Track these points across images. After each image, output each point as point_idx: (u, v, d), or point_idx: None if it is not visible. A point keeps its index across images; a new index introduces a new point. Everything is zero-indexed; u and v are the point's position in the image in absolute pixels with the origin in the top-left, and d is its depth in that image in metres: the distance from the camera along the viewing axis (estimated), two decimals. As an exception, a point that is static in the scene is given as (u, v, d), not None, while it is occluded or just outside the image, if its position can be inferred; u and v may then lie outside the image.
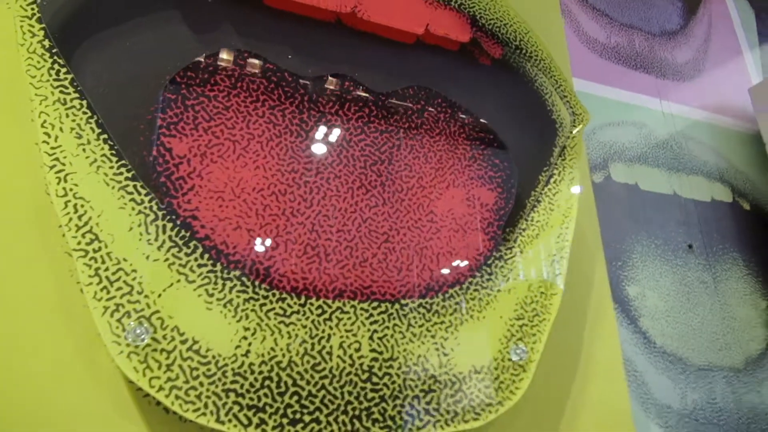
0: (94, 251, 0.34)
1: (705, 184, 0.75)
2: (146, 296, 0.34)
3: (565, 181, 0.51)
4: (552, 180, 0.51)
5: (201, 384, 0.34)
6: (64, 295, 0.36)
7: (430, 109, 0.49)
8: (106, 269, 0.34)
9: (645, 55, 0.80)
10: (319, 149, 0.43)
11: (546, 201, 0.50)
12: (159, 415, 0.35)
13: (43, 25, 0.37)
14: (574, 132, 0.54)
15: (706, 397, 0.62)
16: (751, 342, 0.68)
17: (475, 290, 0.43)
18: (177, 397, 0.33)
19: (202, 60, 0.42)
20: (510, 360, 0.42)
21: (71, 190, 0.35)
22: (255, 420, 0.34)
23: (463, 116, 0.50)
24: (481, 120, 0.51)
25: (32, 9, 0.37)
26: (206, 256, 0.37)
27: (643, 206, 0.69)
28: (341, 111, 0.45)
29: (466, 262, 0.44)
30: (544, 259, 0.47)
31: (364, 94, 0.47)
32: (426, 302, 0.42)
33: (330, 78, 0.46)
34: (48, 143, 0.35)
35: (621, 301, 0.62)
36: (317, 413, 0.36)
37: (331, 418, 0.36)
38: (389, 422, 0.37)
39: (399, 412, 0.38)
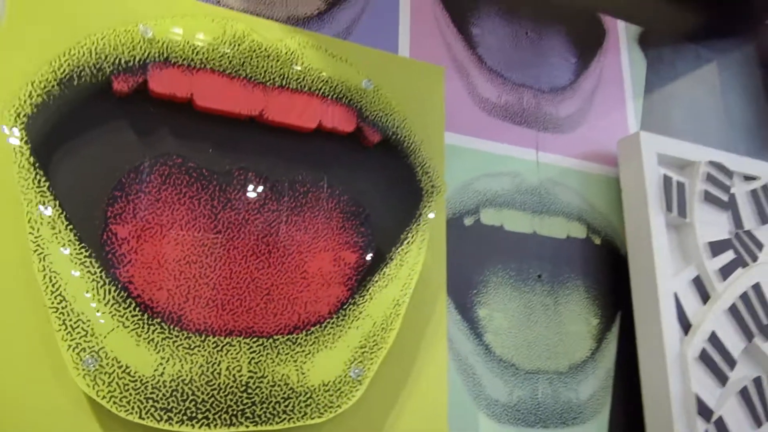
0: (62, 308, 0.53)
1: (564, 224, 0.93)
2: (96, 337, 0.53)
3: (416, 242, 0.70)
4: (405, 241, 0.69)
5: (130, 395, 0.53)
6: (46, 334, 0.54)
7: (313, 189, 0.67)
8: (70, 319, 0.53)
9: (531, 111, 0.96)
10: (224, 227, 0.61)
11: (398, 258, 0.68)
12: (107, 413, 0.55)
13: (29, 145, 0.55)
14: (430, 200, 0.72)
15: (530, 394, 0.83)
16: (577, 352, 0.89)
17: (331, 328, 0.63)
18: (114, 403, 0.52)
19: (143, 163, 0.60)
20: (350, 377, 0.62)
21: (48, 266, 0.53)
22: (165, 417, 0.54)
23: (340, 194, 0.68)
24: (354, 196, 0.69)
25: (23, 134, 0.54)
26: (137, 309, 0.55)
27: (504, 244, 0.88)
28: (243, 197, 0.63)
29: (326, 308, 0.64)
30: (389, 304, 0.66)
31: (262, 182, 0.64)
32: (292, 337, 0.61)
33: (237, 170, 0.64)
34: (32, 233, 0.53)
35: (471, 321, 0.82)
36: (207, 413, 0.56)
37: (216, 416, 0.56)
38: (256, 419, 0.57)
39: (265, 412, 0.58)
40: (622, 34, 1.11)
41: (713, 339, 0.89)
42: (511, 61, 0.97)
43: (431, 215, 0.72)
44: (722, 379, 0.88)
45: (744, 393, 0.90)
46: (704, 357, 0.87)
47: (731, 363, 0.89)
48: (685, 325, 0.90)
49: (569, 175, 0.96)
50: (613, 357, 0.91)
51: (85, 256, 0.55)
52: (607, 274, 0.95)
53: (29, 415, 0.52)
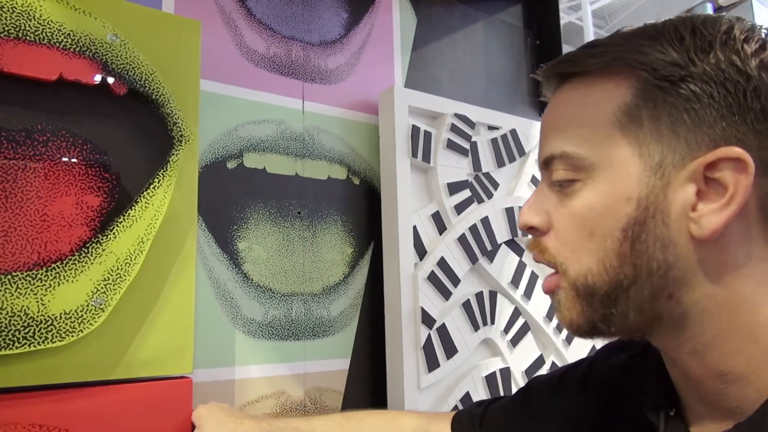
0: None
1: (325, 166, 1.06)
2: None
3: (163, 186, 0.78)
4: (152, 186, 0.78)
5: None
6: None
7: (54, 138, 0.72)
8: None
9: (299, 62, 1.06)
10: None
11: (143, 201, 0.77)
12: None
13: None
14: (179, 148, 0.80)
15: (285, 313, 0.98)
16: (331, 276, 1.04)
17: (73, 264, 0.71)
18: None
19: None
20: (92, 305, 0.71)
21: None
22: None
23: (83, 142, 0.74)
24: (100, 145, 0.75)
25: None
26: None
27: (266, 185, 0.99)
28: (-23, 146, 0.67)
29: (68, 247, 0.71)
30: (133, 241, 0.75)
31: (-1, 132, 0.69)
32: (32, 273, 0.68)
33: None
34: None
35: (231, 253, 0.94)
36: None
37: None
38: (-5, 345, 0.65)
39: (4, 339, 0.65)
40: (396, -8, 1.23)
41: (442, 263, 1.09)
42: (282, 14, 1.05)
43: (179, 161, 0.80)
44: (446, 294, 1.08)
45: (466, 305, 1.12)
46: (432, 278, 1.07)
47: (455, 282, 1.10)
48: (422, 253, 1.08)
49: (333, 123, 1.09)
50: (363, 280, 1.08)
51: None
52: (364, 210, 1.10)
53: None
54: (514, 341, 1.19)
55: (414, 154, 1.09)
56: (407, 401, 1.00)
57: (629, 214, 0.35)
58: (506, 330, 1.18)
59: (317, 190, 1.05)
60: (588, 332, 0.39)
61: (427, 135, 1.12)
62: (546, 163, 0.40)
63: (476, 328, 1.13)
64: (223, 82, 0.96)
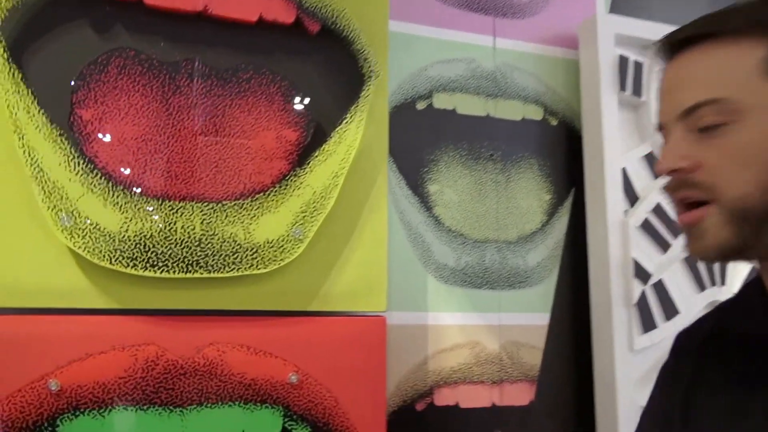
0: (41, 177, 0.65)
1: (519, 106, 0.98)
2: (69, 201, 0.66)
3: (355, 122, 0.78)
4: (344, 121, 0.78)
5: (102, 246, 0.66)
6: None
7: (256, 76, 0.75)
8: (47, 186, 0.65)
9: (489, -3, 0.99)
10: (174, 110, 0.71)
11: (336, 136, 0.77)
12: (85, 261, 0.68)
13: (3, 43, 0.65)
14: (369, 84, 0.79)
15: (477, 260, 0.92)
16: (528, 224, 0.96)
17: (273, 196, 0.73)
18: (88, 251, 0.65)
19: (100, 55, 0.69)
20: (292, 236, 0.73)
21: (26, 143, 0.65)
22: (131, 264, 0.67)
23: (281, 79, 0.76)
24: (296, 82, 0.77)
25: (-5, 33, 0.65)
26: (103, 178, 0.67)
27: (456, 126, 0.94)
28: (191, 84, 0.72)
29: (269, 179, 0.74)
30: (328, 176, 0.76)
31: (208, 71, 0.73)
32: (239, 203, 0.72)
33: (185, 61, 0.73)
34: (12, 118, 0.65)
35: (421, 196, 0.91)
36: (167, 262, 0.68)
37: (174, 265, 0.68)
38: (209, 267, 0.69)
39: (216, 263, 0.70)
40: None
41: (658, 210, 0.94)
42: (471, -52, 0.99)
43: (370, 97, 0.79)
44: (664, 246, 0.94)
45: (689, 259, 0.96)
46: (646, 226, 0.93)
47: (675, 232, 0.94)
48: (633, 199, 0.95)
49: (527, 59, 1.00)
50: (563, 229, 0.98)
51: (57, 135, 0.66)
52: (563, 153, 1.00)
53: (24, 265, 0.66)
54: (752, 307, 0.99)
55: (622, 88, 0.96)
56: (618, 364, 0.88)
57: None
58: (741, 293, 0.99)
59: (511, 131, 0.97)
60: (731, 255, 0.44)
61: (638, 66, 0.98)
62: (689, 112, 0.43)
63: (702, 287, 0.96)
64: (412, 21, 0.93)
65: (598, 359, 0.92)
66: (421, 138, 0.92)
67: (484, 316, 0.91)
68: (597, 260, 0.94)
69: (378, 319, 0.78)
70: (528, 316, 0.93)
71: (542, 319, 0.94)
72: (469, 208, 0.93)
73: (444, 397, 0.87)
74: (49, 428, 0.64)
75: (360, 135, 0.78)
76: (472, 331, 0.90)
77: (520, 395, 0.91)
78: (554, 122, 1.00)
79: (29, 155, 0.65)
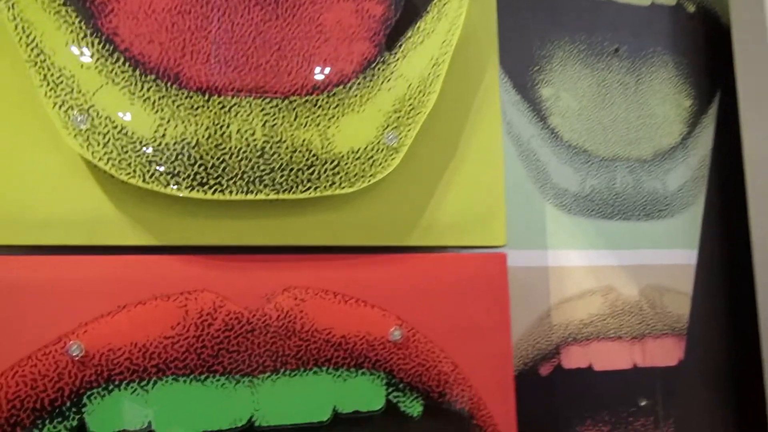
0: (41, 61, 0.46)
1: (648, -12, 0.77)
2: (83, 95, 0.47)
3: (458, -9, 0.57)
4: (444, -10, 0.57)
5: (130, 157, 0.47)
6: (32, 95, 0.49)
7: (326, -71, 0.55)
8: (51, 75, 0.46)
9: None
10: (219, -28, 0.52)
11: (434, 11, 0.57)
12: (107, 177, 0.50)
13: None
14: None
15: (606, 183, 0.72)
16: (665, 137, 0.75)
17: (357, 89, 0.54)
18: (113, 165, 0.47)
19: None
20: (384, 143, 0.53)
21: (18, 14, 0.46)
22: (171, 181, 0.48)
23: (359, -67, 0.56)
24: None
25: None
26: (127, 64, 0.48)
27: (572, 12, 0.73)
28: (240, -64, 0.52)
29: (350, 66, 0.54)
30: (426, 63, 0.56)
31: None
32: (312, 99, 0.52)
33: None
34: (-4, -21, 0.46)
35: (533, 102, 0.70)
36: (219, 179, 0.49)
37: (231, 182, 0.49)
38: (277, 186, 0.51)
39: (286, 180, 0.51)
40: None
41: (840, 110, 0.72)
42: None
43: (475, -42, 0.58)
44: None
45: None
46: (827, 130, 0.71)
47: None
48: (804, 98, 0.73)
49: (655, -73, 0.78)
50: (709, 144, 0.77)
51: (59, 5, 0.47)
52: (704, 47, 0.79)
53: (25, 187, 0.48)
54: None
55: (787, -47, 0.73)
56: (796, 309, 0.68)
57: None
58: None
59: (638, 19, 0.76)
60: None
61: (804, -74, 0.75)
62: None
63: None
64: None
65: (764, 306, 0.71)
66: (529, 27, 0.71)
67: (618, 254, 0.71)
68: (757, 180, 0.72)
69: (497, 256, 0.58)
70: (671, 254, 0.73)
71: (689, 257, 0.74)
72: (592, 118, 0.72)
73: (574, 358, 0.68)
74: (74, 408, 0.46)
75: (464, 9, 0.57)
76: (603, 273, 0.70)
77: (667, 353, 0.71)
78: (691, 8, 0.78)
79: (23, 31, 0.46)
